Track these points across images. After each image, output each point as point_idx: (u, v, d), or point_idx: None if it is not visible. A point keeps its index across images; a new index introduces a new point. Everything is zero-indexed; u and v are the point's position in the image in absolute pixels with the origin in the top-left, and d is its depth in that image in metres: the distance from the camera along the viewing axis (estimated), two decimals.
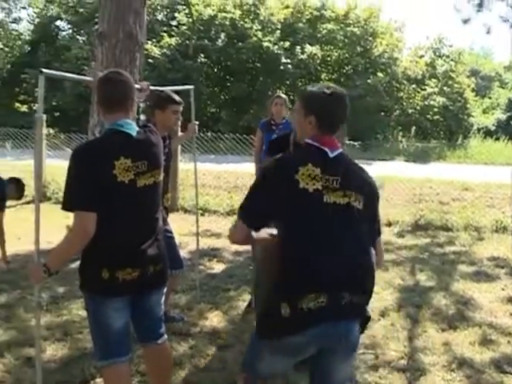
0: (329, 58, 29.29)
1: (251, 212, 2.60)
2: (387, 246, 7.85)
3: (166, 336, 3.32)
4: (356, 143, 20.62)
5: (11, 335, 4.73)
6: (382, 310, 5.39)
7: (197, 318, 5.16)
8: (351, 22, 29.04)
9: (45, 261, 2.92)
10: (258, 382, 2.85)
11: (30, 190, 11.13)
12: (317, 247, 2.47)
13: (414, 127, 26.32)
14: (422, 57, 31.13)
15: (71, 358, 4.32)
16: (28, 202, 10.45)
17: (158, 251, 3.08)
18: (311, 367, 2.69)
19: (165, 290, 3.32)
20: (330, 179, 2.54)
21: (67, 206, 2.85)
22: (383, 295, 5.84)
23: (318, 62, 28.58)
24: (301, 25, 29.27)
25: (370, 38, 28.81)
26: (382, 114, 28.23)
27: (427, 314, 5.34)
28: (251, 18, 28.50)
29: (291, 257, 2.49)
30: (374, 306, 5.47)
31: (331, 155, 2.61)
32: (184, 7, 27.91)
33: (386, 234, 8.59)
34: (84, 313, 3.05)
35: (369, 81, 26.91)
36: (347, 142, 11.31)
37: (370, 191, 2.69)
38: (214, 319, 5.16)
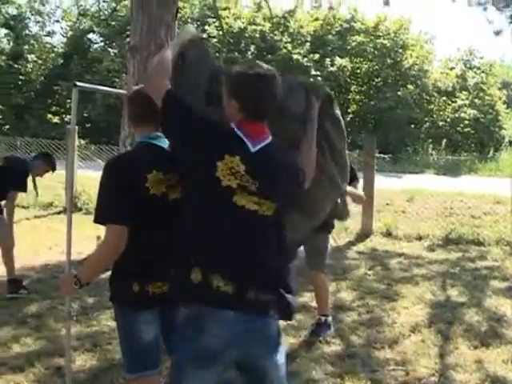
0: (358, 71, 29.16)
1: None
2: (417, 261, 7.77)
3: None
4: (386, 156, 20.51)
5: (41, 345, 4.77)
6: (412, 325, 5.31)
7: None
8: (381, 34, 28.91)
9: (76, 272, 2.93)
10: None
11: (60, 200, 11.30)
12: (220, 240, 2.45)
13: (444, 140, 26.02)
14: (452, 69, 30.84)
15: (100, 369, 4.33)
16: (59, 213, 10.60)
17: None
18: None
19: None
20: (249, 180, 2.43)
21: (99, 218, 2.85)
22: (413, 310, 5.76)
23: (348, 74, 28.49)
24: (330, 37, 29.23)
25: (400, 50, 28.62)
26: (412, 126, 27.98)
27: (459, 331, 5.25)
28: (281, 30, 28.57)
29: (201, 233, 2.49)
30: (404, 321, 5.41)
31: (253, 149, 2.47)
32: (214, 20, 28.06)
33: (416, 248, 8.51)
34: (113, 323, 3.06)
35: (399, 93, 26.72)
36: (377, 154, 11.30)
37: (291, 186, 2.59)
38: None
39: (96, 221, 2.86)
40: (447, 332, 5.21)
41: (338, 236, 9.21)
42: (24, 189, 6.46)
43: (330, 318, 5.21)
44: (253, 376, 2.61)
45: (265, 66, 2.53)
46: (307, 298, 6.08)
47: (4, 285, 6.10)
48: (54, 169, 6.53)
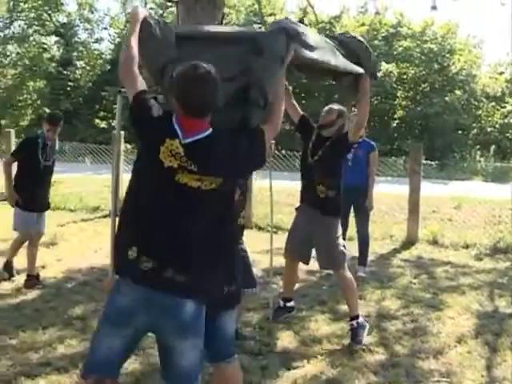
0: (405, 76, 28.92)
1: None
2: (464, 270, 7.62)
3: (236, 356, 3.30)
4: (433, 162, 20.23)
5: (86, 347, 4.80)
6: (458, 336, 5.19)
7: (268, 338, 5.12)
8: (428, 38, 28.63)
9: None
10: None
11: (107, 204, 11.46)
12: (153, 217, 2.62)
13: (492, 146, 25.60)
14: (501, 73, 30.34)
15: (143, 373, 4.35)
16: (105, 216, 10.73)
17: (233, 272, 3.06)
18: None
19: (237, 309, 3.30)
20: (188, 161, 2.55)
21: None
22: (460, 320, 5.64)
23: (394, 79, 28.27)
24: (376, 42, 29.06)
25: (448, 55, 28.28)
26: (460, 132, 27.60)
27: (506, 343, 5.11)
28: (327, 35, 28.50)
29: (136, 207, 2.68)
30: (450, 331, 5.30)
31: (184, 141, 2.56)
32: (260, 26, 28.17)
33: (463, 257, 8.35)
34: None
35: (446, 98, 26.39)
36: (423, 161, 11.17)
37: (236, 166, 2.71)
38: (286, 339, 5.10)
39: None
40: (494, 344, 5.08)
41: (383, 243, 9.12)
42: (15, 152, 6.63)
43: (361, 319, 5.05)
44: (161, 351, 2.73)
45: (205, 66, 2.60)
46: None
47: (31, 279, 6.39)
48: (50, 123, 6.52)
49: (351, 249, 8.14)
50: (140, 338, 2.75)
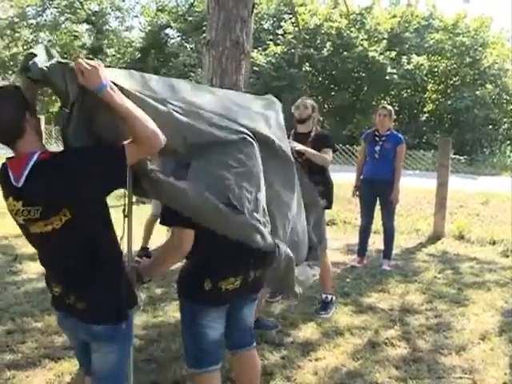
0: (436, 69, 28.53)
1: None
2: (490, 266, 7.55)
3: (255, 344, 3.33)
4: (462, 157, 20.00)
5: None
6: (482, 332, 5.15)
7: (290, 328, 5.14)
8: (460, 31, 28.20)
9: (139, 267, 2.93)
10: None
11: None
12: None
13: None
14: None
15: (165, 360, 4.40)
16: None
17: (260, 256, 2.97)
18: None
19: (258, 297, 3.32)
20: (29, 210, 2.35)
21: (166, 220, 2.89)
22: (484, 317, 5.59)
23: (425, 72, 27.92)
24: (408, 34, 28.75)
25: (480, 49, 27.82)
26: (490, 127, 27.18)
27: None
28: (357, 27, 28.28)
29: None
30: (474, 327, 5.26)
31: (17, 184, 2.33)
32: (290, 16, 28.05)
33: (489, 253, 8.26)
34: (180, 315, 3.08)
35: (477, 92, 25.99)
36: (452, 155, 11.05)
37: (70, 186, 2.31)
38: (308, 330, 5.11)
39: (162, 222, 2.90)
40: None
41: (409, 237, 9.07)
42: None
43: (334, 298, 5.65)
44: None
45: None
46: (374, 298, 6.01)
47: None
48: None
49: (376, 242, 8.14)
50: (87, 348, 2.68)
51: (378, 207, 7.43)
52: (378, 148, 7.10)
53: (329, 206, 5.45)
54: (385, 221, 7.39)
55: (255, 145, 2.84)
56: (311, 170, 5.02)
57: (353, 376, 4.23)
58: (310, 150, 5.12)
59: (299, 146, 4.93)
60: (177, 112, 2.63)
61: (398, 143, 7.14)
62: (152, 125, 2.35)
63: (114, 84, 2.36)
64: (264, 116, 3.08)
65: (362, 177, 7.33)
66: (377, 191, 7.16)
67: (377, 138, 7.18)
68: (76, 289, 2.52)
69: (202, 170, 2.70)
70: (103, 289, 2.50)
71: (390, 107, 7.40)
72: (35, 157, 2.32)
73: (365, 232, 7.50)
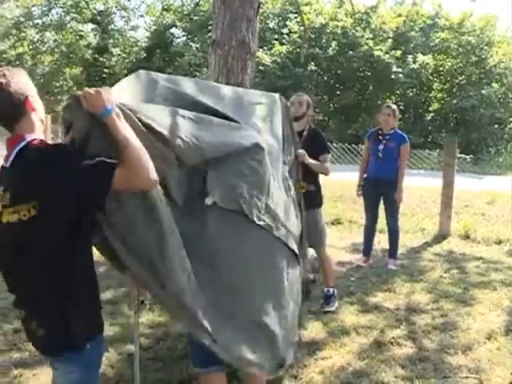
0: (441, 68, 28.53)
1: None
2: (496, 265, 7.53)
3: None
4: (467, 156, 19.96)
5: (115, 331, 4.90)
6: (488, 332, 5.14)
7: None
8: (466, 30, 28.17)
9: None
10: None
11: None
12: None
13: None
14: None
15: (171, 358, 4.41)
16: None
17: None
18: None
19: None
20: (5, 195, 2.26)
21: None
22: (490, 317, 5.58)
23: (430, 71, 27.93)
24: (413, 33, 28.75)
25: (486, 48, 27.80)
26: (496, 126, 27.16)
27: None
28: (363, 26, 28.30)
29: None
30: (480, 327, 5.25)
31: (7, 164, 2.30)
32: (296, 15, 28.07)
33: (495, 253, 8.25)
34: None
35: (483, 91, 25.97)
36: (458, 155, 11.03)
37: (50, 184, 2.18)
38: (314, 329, 5.11)
39: None
40: None
41: (415, 237, 9.05)
42: None
43: (335, 290, 5.72)
44: None
45: None
46: (380, 298, 6.00)
47: None
48: None
49: (382, 241, 8.13)
50: None
51: (382, 206, 7.42)
52: (381, 147, 7.09)
53: (321, 204, 5.66)
54: (389, 220, 7.38)
55: (265, 148, 2.97)
56: (308, 171, 5.04)
57: (359, 375, 4.23)
58: (313, 162, 5.17)
59: (307, 160, 4.95)
60: (190, 119, 2.72)
61: (401, 142, 7.13)
62: (147, 160, 2.27)
63: (123, 105, 2.39)
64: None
65: (365, 176, 7.33)
66: (380, 190, 7.15)
67: (380, 137, 7.16)
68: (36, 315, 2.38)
69: (218, 179, 2.80)
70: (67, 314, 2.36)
71: (394, 106, 7.38)
72: (25, 141, 2.27)
73: (369, 231, 7.49)
